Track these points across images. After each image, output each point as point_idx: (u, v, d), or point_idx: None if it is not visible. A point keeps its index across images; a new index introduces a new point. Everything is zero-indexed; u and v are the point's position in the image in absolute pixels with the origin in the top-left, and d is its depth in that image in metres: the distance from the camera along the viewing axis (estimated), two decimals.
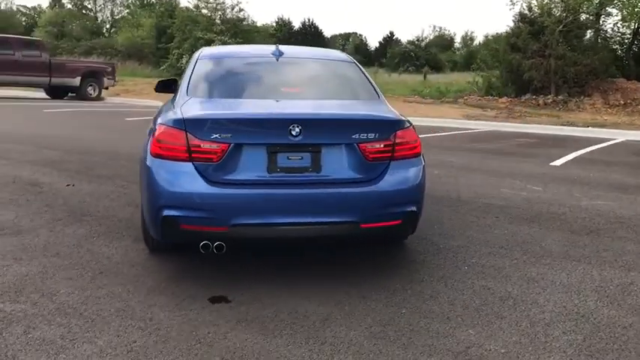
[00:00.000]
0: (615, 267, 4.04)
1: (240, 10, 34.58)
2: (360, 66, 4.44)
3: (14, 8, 63.65)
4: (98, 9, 57.33)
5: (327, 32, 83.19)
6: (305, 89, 4.12)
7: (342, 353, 2.80)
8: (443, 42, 70.47)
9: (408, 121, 3.67)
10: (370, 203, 3.41)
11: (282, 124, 3.32)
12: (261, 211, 3.31)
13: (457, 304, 3.37)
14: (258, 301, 3.33)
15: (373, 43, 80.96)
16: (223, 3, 34.38)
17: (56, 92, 20.61)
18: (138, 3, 55.76)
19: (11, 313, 3.12)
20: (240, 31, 33.81)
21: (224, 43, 32.42)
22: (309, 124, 3.34)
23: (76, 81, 20.09)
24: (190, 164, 3.31)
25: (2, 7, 61.50)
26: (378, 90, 4.09)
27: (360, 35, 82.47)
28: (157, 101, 16.77)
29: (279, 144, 3.34)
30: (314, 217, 3.34)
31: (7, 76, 18.49)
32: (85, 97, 20.26)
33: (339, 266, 3.97)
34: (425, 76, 38.79)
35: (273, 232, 3.37)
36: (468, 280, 3.74)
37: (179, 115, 3.38)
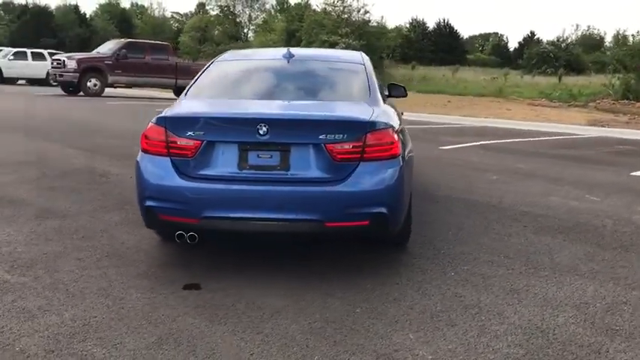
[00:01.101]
0: (620, 285, 3.74)
1: (366, 12, 35.02)
2: (369, 68, 4.48)
3: (168, 14, 69.28)
4: (238, 13, 60.59)
5: (466, 32, 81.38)
6: (296, 90, 4.25)
7: (270, 344, 2.91)
8: (590, 42, 66.09)
9: (385, 123, 3.65)
10: (334, 203, 3.47)
11: (250, 123, 3.49)
12: (229, 206, 3.49)
13: (416, 309, 3.33)
14: (225, 291, 3.52)
15: (514, 43, 77.91)
16: (350, 5, 35.02)
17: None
18: (278, 7, 58.29)
19: (13, 284, 3.58)
20: (365, 33, 34.24)
21: (348, 45, 33.00)
22: (276, 123, 3.48)
23: None
24: (168, 159, 3.58)
25: (155, 14, 67.16)
26: (374, 92, 4.12)
27: (501, 35, 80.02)
28: None
29: (249, 142, 3.51)
30: (279, 214, 3.47)
31: (139, 78, 20.47)
32: None
33: (322, 262, 4.05)
34: (560, 78, 36.71)
35: (240, 226, 3.54)
36: (444, 286, 3.66)
37: (162, 114, 3.67)
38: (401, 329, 3.08)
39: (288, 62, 4.50)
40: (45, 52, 28.41)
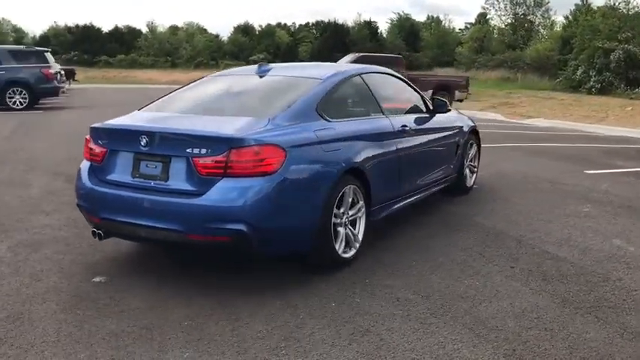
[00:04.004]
0: (499, 349, 3.02)
1: None
2: (324, 85, 4.31)
3: (462, 26, 70.07)
4: (532, 20, 57.66)
5: None
6: (217, 105, 4.41)
7: (71, 337, 3.16)
8: None
9: (257, 139, 3.55)
10: (193, 215, 3.54)
11: (134, 135, 3.79)
12: (117, 210, 3.85)
13: (237, 333, 3.22)
14: (120, 286, 3.86)
15: None
16: (637, 7, 30.96)
17: None
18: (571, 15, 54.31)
19: None
20: None
21: (626, 52, 29.30)
22: (152, 136, 3.72)
23: (429, 93, 21.63)
24: (89, 163, 4.09)
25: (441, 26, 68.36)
26: (297, 109, 3.98)
27: None
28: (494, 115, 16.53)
29: (138, 152, 3.81)
30: (150, 222, 3.69)
31: None
32: None
33: (237, 276, 4.09)
34: None
35: (124, 230, 3.88)
36: (303, 315, 3.42)
37: (93, 124, 4.17)
38: (179, 350, 3.04)
39: (260, 77, 4.65)
40: None
